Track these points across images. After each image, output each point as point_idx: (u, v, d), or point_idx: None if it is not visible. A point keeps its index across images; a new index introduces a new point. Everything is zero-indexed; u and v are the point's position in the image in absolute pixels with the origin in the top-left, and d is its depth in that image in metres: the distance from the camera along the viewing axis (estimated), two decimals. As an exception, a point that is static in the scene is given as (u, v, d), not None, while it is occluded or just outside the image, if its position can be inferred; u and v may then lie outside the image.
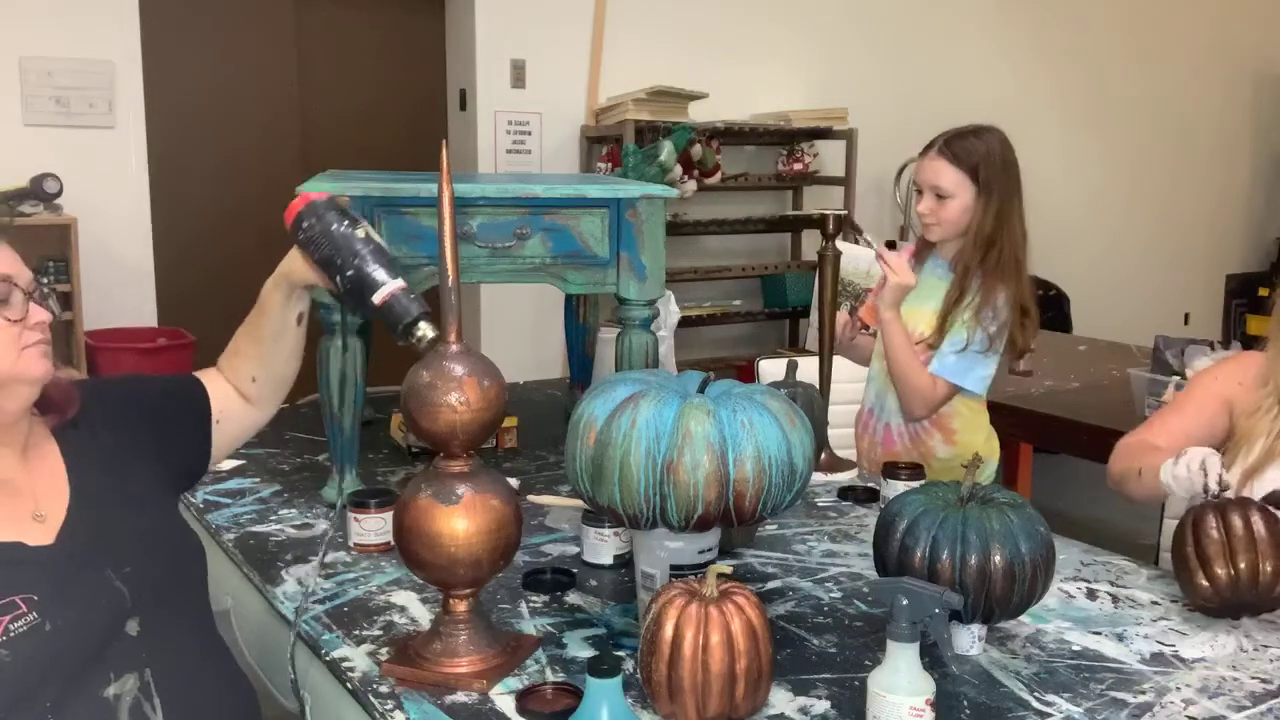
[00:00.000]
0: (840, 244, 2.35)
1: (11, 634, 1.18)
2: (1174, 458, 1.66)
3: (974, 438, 2.36)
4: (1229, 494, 1.60)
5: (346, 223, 1.40)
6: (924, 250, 2.37)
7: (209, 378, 1.59)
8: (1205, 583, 1.51)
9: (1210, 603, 1.53)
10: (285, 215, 1.44)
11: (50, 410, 1.39)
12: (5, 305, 1.28)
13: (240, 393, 1.58)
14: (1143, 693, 1.34)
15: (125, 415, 1.47)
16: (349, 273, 1.38)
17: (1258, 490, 1.69)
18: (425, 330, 1.37)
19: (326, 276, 1.42)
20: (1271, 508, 1.55)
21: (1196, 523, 1.54)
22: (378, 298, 1.37)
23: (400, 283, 1.38)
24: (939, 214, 2.25)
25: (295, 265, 1.48)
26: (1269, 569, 1.48)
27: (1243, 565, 1.49)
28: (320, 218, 1.40)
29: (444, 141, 1.38)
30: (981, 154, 2.24)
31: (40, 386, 1.33)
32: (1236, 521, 1.51)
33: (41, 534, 1.30)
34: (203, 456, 1.55)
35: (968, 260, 2.23)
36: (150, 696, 1.28)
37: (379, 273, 1.38)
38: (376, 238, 1.42)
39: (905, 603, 1.23)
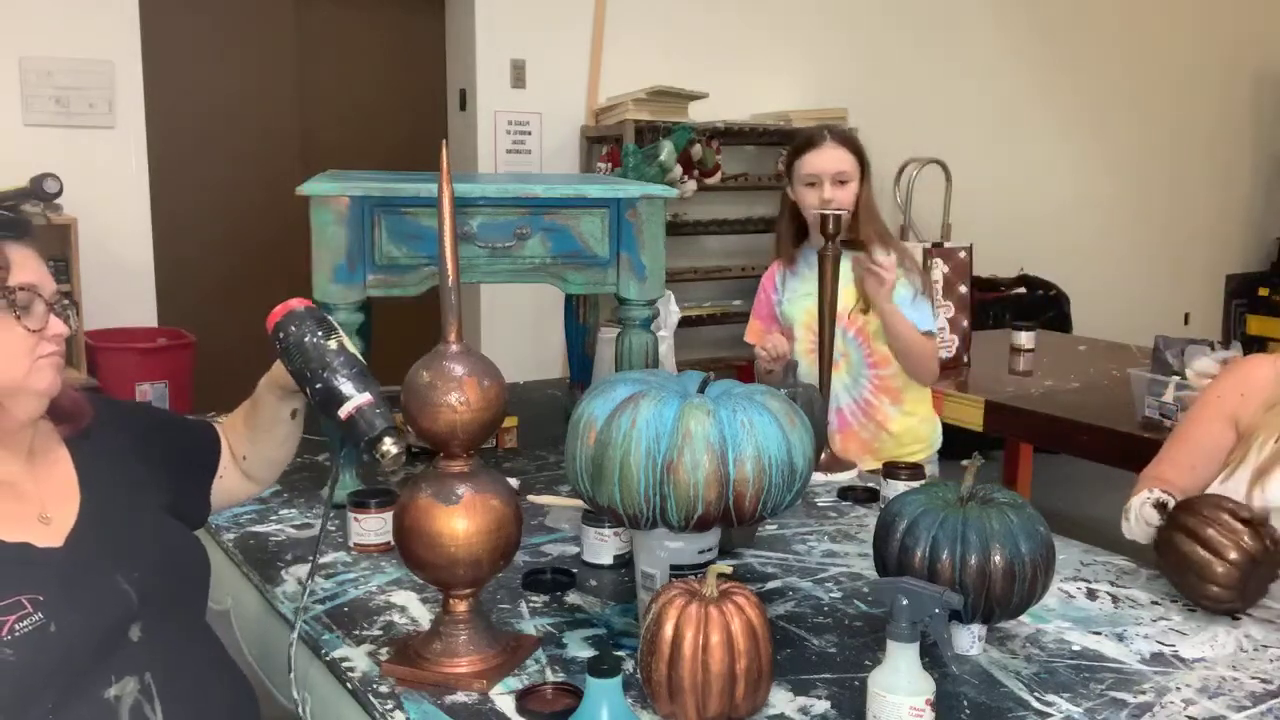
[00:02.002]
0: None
1: (16, 633, 1.19)
2: (1123, 515, 1.73)
3: (918, 395, 2.53)
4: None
5: (320, 333, 1.38)
6: (792, 249, 2.56)
7: (221, 431, 1.60)
8: (1223, 569, 1.51)
9: (1229, 588, 1.52)
10: (267, 322, 1.42)
11: (63, 420, 1.39)
12: (27, 314, 1.28)
13: (235, 462, 1.60)
14: (1143, 693, 1.34)
15: (142, 435, 1.49)
16: (317, 385, 1.35)
17: (1269, 491, 1.68)
18: (389, 446, 1.33)
19: (300, 387, 1.40)
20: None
21: (1182, 529, 1.56)
22: (343, 412, 1.34)
23: (367, 397, 1.35)
24: (840, 198, 2.41)
25: (281, 371, 1.46)
26: (1269, 542, 1.52)
27: (1248, 543, 1.50)
28: (296, 328, 1.38)
29: (444, 141, 1.38)
30: (858, 140, 2.50)
31: (48, 399, 1.33)
32: (1217, 514, 1.54)
33: (49, 536, 1.30)
34: (202, 502, 1.56)
35: (867, 233, 2.43)
36: (151, 699, 1.28)
37: (346, 386, 1.35)
38: (350, 348, 1.40)
39: (905, 603, 1.23)
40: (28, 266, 1.30)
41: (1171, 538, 1.58)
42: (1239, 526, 1.52)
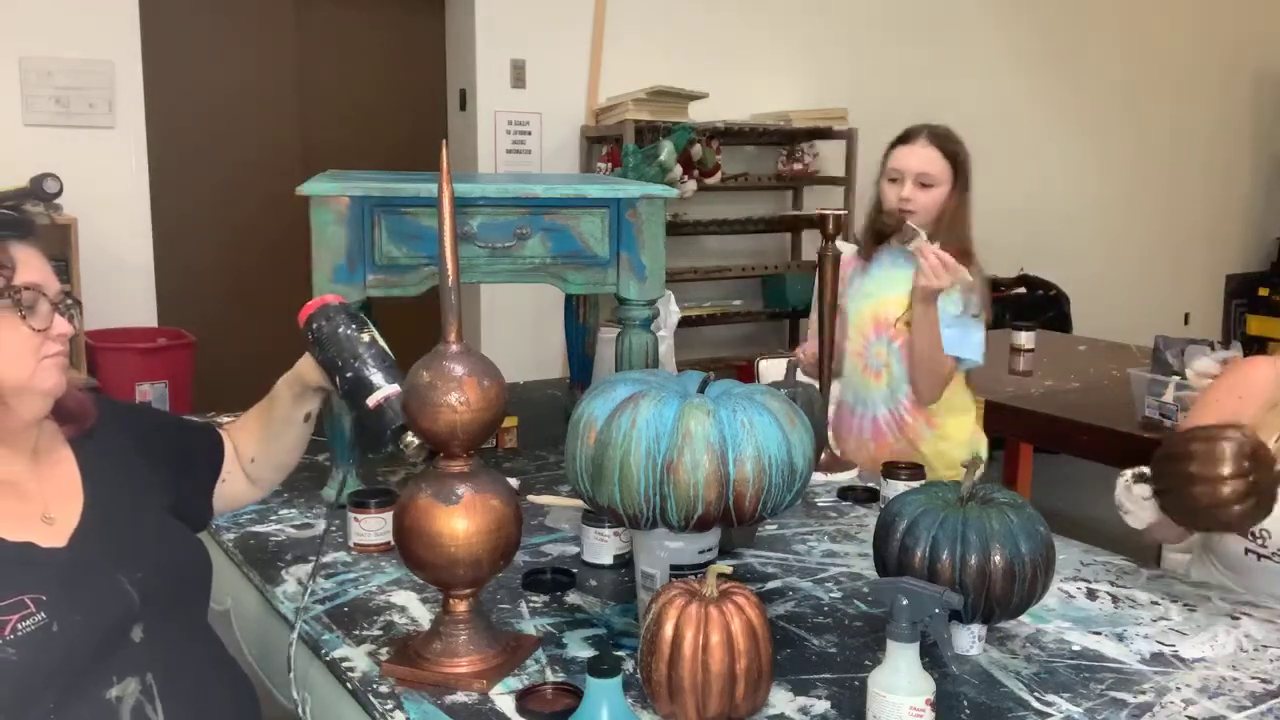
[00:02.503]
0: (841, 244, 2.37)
1: (19, 633, 1.19)
2: (1120, 513, 1.65)
3: (957, 419, 2.41)
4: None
5: (354, 326, 1.45)
6: (871, 247, 2.43)
7: (224, 435, 1.61)
8: (1228, 488, 1.45)
9: (1246, 497, 1.46)
10: (299, 315, 1.49)
11: (67, 420, 1.40)
12: (32, 313, 1.28)
13: (240, 465, 1.61)
14: (1143, 693, 1.34)
15: (144, 436, 1.49)
16: (348, 374, 1.42)
17: None
18: (413, 437, 1.38)
19: (329, 377, 1.46)
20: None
21: (1169, 481, 1.52)
22: (371, 401, 1.40)
23: (395, 388, 1.41)
24: (920, 201, 2.32)
25: (307, 366, 1.51)
26: (1244, 436, 1.47)
27: (1230, 450, 1.45)
28: (329, 320, 1.45)
29: (444, 141, 1.38)
30: (959, 145, 2.36)
31: (53, 399, 1.33)
32: (1187, 446, 1.50)
33: (52, 536, 1.30)
34: (205, 505, 1.57)
35: (946, 245, 2.27)
36: (152, 699, 1.28)
37: (376, 376, 1.42)
38: (381, 343, 1.46)
39: (905, 603, 1.23)
40: (32, 266, 1.30)
41: (1167, 498, 1.54)
42: (1217, 442, 1.46)
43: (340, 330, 1.44)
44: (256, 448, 1.59)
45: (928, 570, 1.37)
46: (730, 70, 5.23)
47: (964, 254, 2.31)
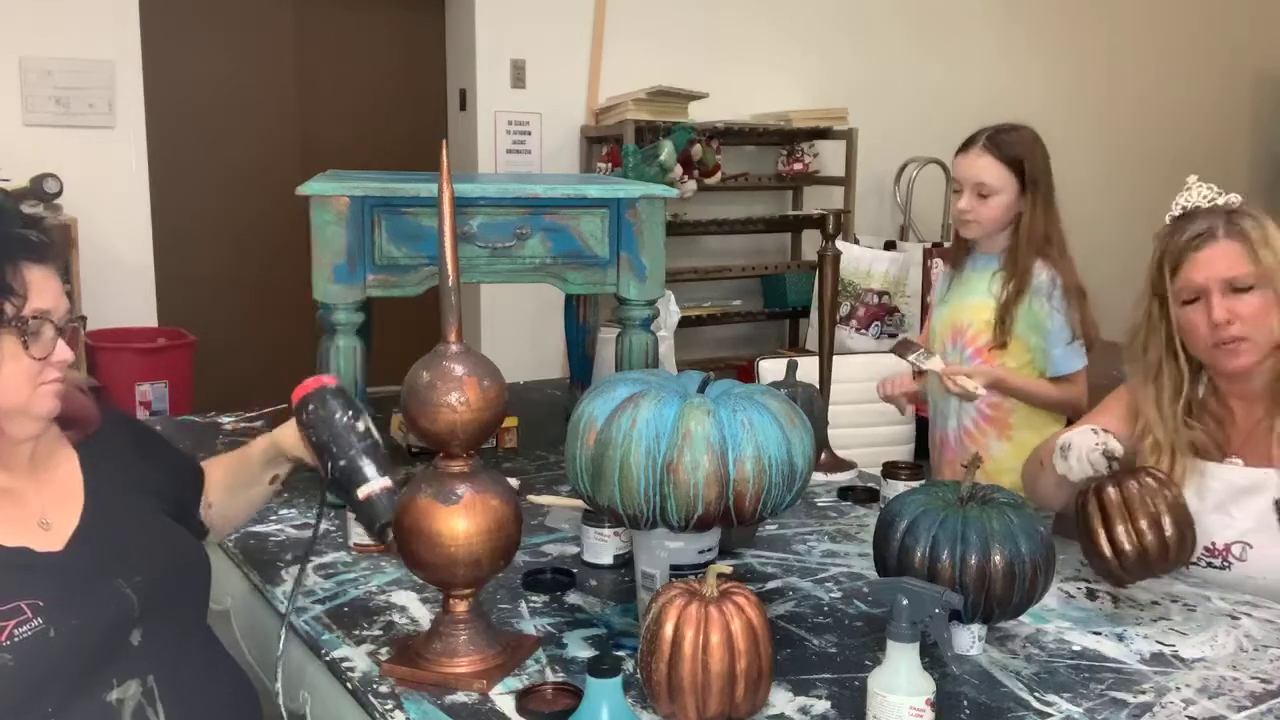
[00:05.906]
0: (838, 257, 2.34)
1: (16, 639, 1.18)
2: (1059, 449, 1.63)
3: (1033, 437, 2.21)
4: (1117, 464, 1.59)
5: (350, 414, 1.44)
6: (960, 252, 2.37)
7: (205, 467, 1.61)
8: (1109, 547, 1.51)
9: (1117, 572, 1.53)
10: (293, 394, 1.47)
11: (70, 426, 1.40)
12: (35, 340, 1.27)
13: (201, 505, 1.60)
14: (1143, 693, 1.34)
15: (146, 444, 1.50)
16: (341, 462, 1.42)
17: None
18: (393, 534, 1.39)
19: (319, 460, 1.45)
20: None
21: (1097, 492, 1.54)
22: (361, 493, 1.41)
23: (386, 482, 1.42)
24: (980, 212, 2.25)
25: (289, 438, 1.50)
26: (1169, 528, 1.50)
27: (1144, 524, 1.49)
28: (325, 404, 1.44)
29: (444, 141, 1.38)
30: (1025, 148, 2.26)
31: (46, 422, 1.33)
32: (1132, 485, 1.52)
33: (49, 541, 1.30)
34: (198, 523, 1.56)
35: (1022, 258, 2.22)
36: (153, 701, 1.28)
37: (369, 469, 1.42)
38: (375, 433, 1.46)
39: (905, 603, 1.23)
40: (46, 291, 1.29)
41: (1086, 501, 1.55)
42: (1141, 508, 1.51)
43: (336, 417, 1.43)
44: (216, 495, 1.58)
45: (928, 570, 1.37)
46: (730, 70, 5.23)
47: (1059, 264, 2.23)
